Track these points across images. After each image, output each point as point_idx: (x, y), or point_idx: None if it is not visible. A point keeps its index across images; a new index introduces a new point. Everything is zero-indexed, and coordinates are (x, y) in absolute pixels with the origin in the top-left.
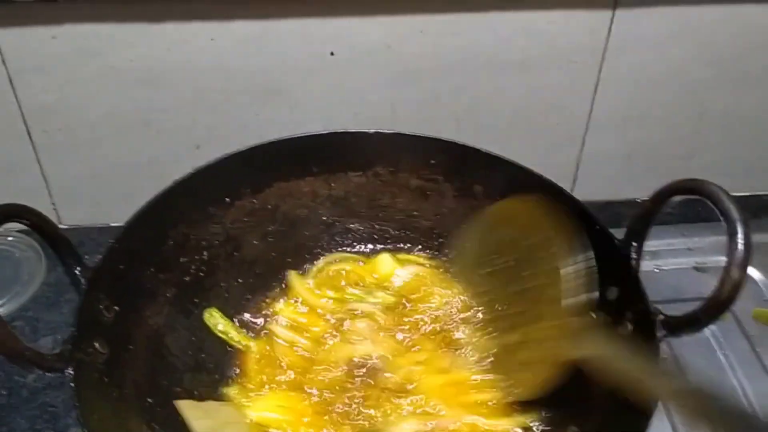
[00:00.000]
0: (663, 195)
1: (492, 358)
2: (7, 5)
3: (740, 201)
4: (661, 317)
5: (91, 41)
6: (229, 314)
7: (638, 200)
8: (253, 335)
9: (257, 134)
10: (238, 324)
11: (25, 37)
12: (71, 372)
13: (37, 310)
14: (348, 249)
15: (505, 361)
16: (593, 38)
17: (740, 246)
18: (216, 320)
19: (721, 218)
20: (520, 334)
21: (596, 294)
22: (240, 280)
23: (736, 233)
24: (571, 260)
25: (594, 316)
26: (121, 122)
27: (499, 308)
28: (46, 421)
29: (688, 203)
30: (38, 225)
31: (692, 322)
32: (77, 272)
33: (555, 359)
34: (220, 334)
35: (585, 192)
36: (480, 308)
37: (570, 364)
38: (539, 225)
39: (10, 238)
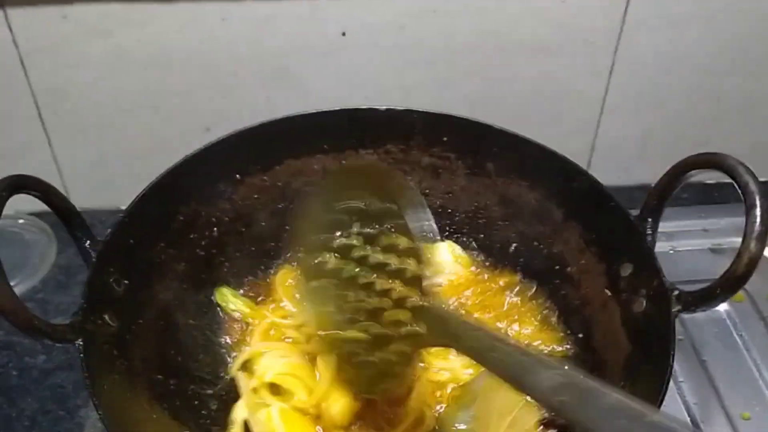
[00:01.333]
0: (679, 169)
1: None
2: None
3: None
4: (676, 292)
5: (101, 21)
6: (238, 290)
7: (653, 185)
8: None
9: (267, 116)
10: (246, 298)
11: (35, 17)
12: (81, 343)
13: (48, 292)
14: None
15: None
16: (609, 19)
17: (758, 219)
18: (227, 299)
19: (739, 191)
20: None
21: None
22: (249, 257)
23: (754, 206)
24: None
25: (608, 293)
26: (131, 104)
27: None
28: (56, 402)
29: (704, 187)
30: (49, 198)
31: (708, 297)
32: (87, 246)
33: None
34: (232, 312)
35: (599, 176)
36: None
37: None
38: (387, 188)
39: (20, 221)
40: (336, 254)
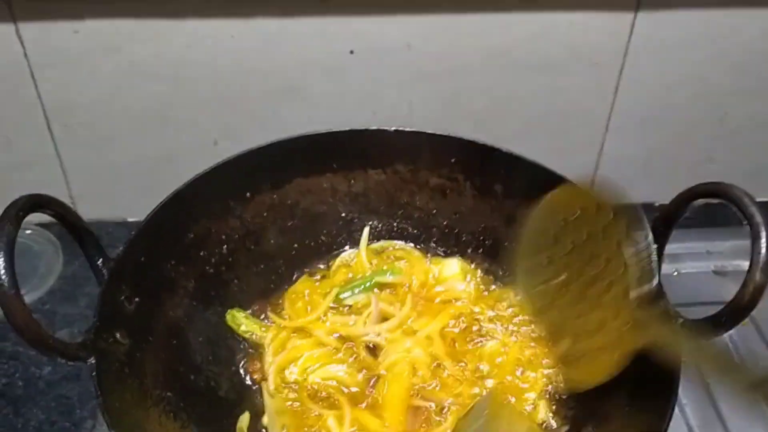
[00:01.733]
0: (685, 198)
1: (559, 348)
2: (30, 0)
3: (761, 206)
4: (681, 320)
5: (112, 37)
6: (248, 308)
7: (657, 204)
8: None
9: (275, 132)
10: (255, 317)
11: (47, 31)
12: (93, 361)
13: (54, 303)
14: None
15: (572, 350)
16: (614, 40)
17: (763, 250)
18: (239, 321)
19: (745, 222)
20: (586, 323)
21: (657, 280)
22: (259, 275)
23: (759, 237)
24: (634, 246)
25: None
26: (139, 118)
27: (564, 298)
28: (62, 413)
29: (708, 207)
30: (63, 216)
31: (713, 326)
32: (99, 264)
33: (624, 347)
34: (244, 334)
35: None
36: (542, 302)
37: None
38: (599, 211)
39: (28, 232)
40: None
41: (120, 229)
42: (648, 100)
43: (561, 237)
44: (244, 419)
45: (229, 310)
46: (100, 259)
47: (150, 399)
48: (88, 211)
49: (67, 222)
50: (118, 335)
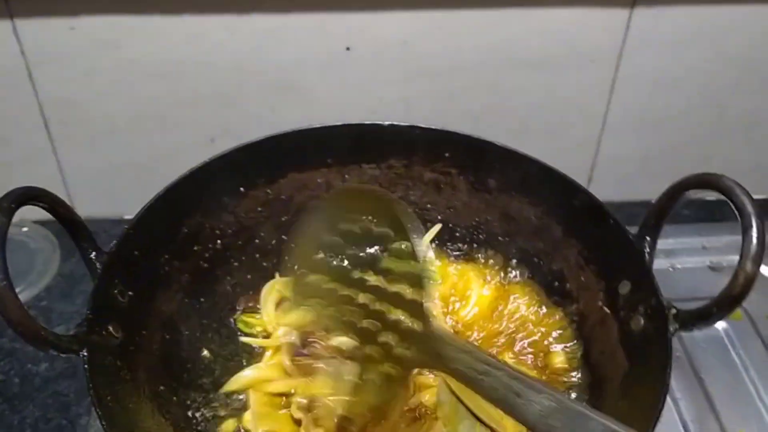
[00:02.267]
0: (677, 189)
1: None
2: None
3: (758, 204)
4: (674, 311)
5: (108, 33)
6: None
7: (654, 201)
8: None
9: (272, 128)
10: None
11: (43, 28)
12: (85, 354)
13: (51, 300)
14: None
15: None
16: (610, 37)
17: (754, 240)
18: (251, 324)
19: (736, 212)
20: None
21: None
22: (252, 270)
23: (750, 227)
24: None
25: (607, 310)
26: (137, 115)
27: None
28: (58, 410)
29: (705, 204)
30: (56, 209)
31: (704, 316)
32: (92, 257)
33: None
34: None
35: (600, 193)
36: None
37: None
38: (386, 213)
39: (24, 229)
40: (331, 275)
41: (117, 226)
42: (645, 97)
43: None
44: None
45: (239, 317)
46: (94, 253)
47: (143, 392)
48: (85, 208)
49: (59, 215)
50: (110, 328)
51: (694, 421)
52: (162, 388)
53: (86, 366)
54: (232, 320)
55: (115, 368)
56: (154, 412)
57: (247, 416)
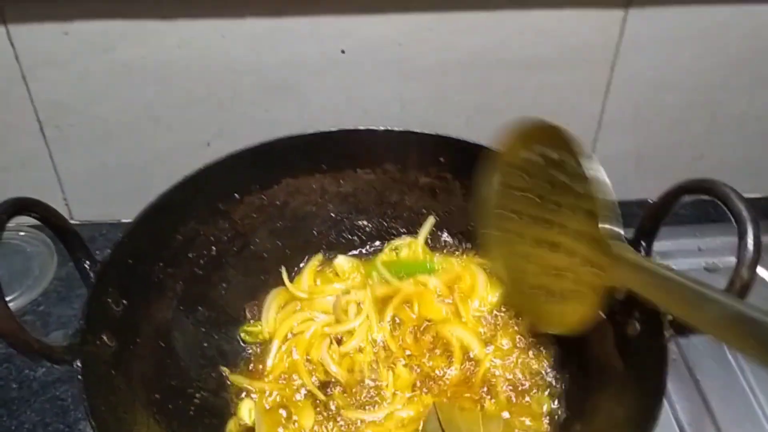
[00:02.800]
0: (673, 194)
1: (529, 295)
2: (20, 1)
3: (752, 203)
4: (669, 317)
5: (102, 38)
6: (237, 310)
7: (649, 200)
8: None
9: (267, 131)
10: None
11: (37, 33)
12: (79, 365)
13: (48, 305)
14: (356, 246)
15: (542, 296)
16: (605, 37)
17: (750, 246)
18: (254, 335)
19: (732, 218)
20: (557, 263)
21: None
22: (248, 276)
23: (746, 233)
24: (595, 182)
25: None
26: (132, 118)
27: (531, 238)
28: (56, 415)
29: (700, 204)
30: (48, 218)
31: None
32: (86, 266)
33: (595, 287)
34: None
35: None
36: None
37: (610, 292)
38: (561, 147)
39: (21, 233)
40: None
41: (114, 230)
42: (639, 97)
43: (532, 177)
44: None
45: (241, 329)
46: (87, 262)
47: (137, 401)
48: (82, 212)
49: (52, 224)
50: (104, 337)
51: (691, 424)
52: (157, 396)
53: (80, 377)
54: (228, 327)
55: (109, 377)
56: (149, 420)
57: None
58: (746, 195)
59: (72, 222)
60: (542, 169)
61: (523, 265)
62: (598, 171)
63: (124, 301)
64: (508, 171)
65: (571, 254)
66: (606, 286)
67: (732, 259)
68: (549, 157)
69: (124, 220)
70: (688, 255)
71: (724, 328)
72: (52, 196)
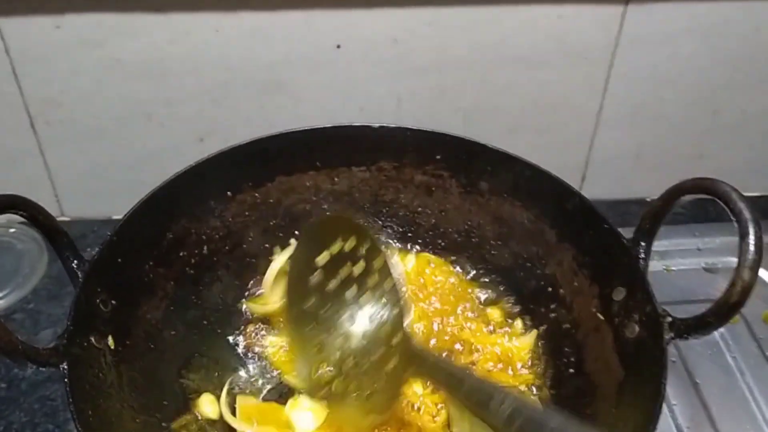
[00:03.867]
0: (673, 194)
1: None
2: None
3: (752, 201)
4: (669, 319)
5: (94, 31)
6: (229, 310)
7: (648, 199)
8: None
9: (261, 127)
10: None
11: (28, 26)
12: (66, 367)
13: (38, 303)
14: None
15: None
16: (604, 34)
17: (751, 247)
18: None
19: (733, 219)
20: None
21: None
22: (240, 276)
23: (747, 234)
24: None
25: (601, 317)
26: (124, 114)
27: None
28: (45, 415)
29: (699, 203)
30: (35, 217)
31: (701, 325)
32: (74, 265)
33: (394, 380)
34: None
35: (594, 190)
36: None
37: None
38: (362, 240)
39: (11, 230)
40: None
41: (105, 226)
42: (639, 94)
43: (329, 271)
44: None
45: (247, 302)
46: (75, 261)
47: (127, 404)
48: (73, 208)
49: (39, 223)
50: (93, 339)
51: (690, 427)
52: (147, 400)
53: (66, 380)
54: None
55: (97, 381)
56: (137, 425)
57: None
58: (746, 194)
59: (63, 219)
60: (338, 264)
61: (319, 360)
62: (395, 265)
63: (113, 302)
64: (307, 263)
65: (368, 351)
66: (404, 379)
67: (732, 260)
68: (345, 252)
69: (115, 217)
70: (687, 255)
71: (505, 422)
72: (43, 192)
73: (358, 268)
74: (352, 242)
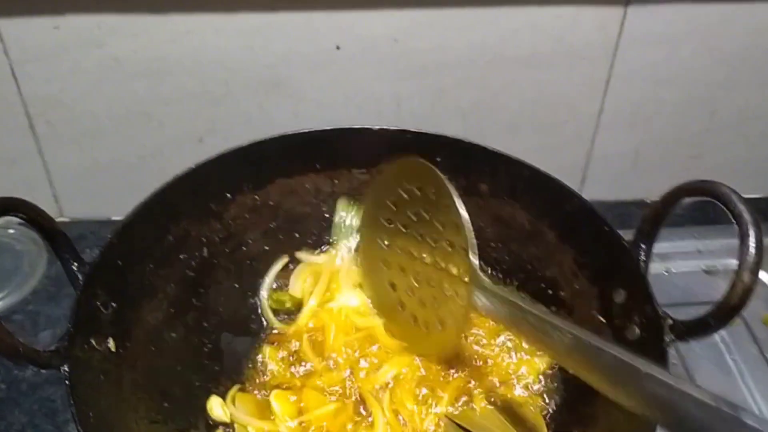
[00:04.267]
0: (673, 197)
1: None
2: None
3: (751, 203)
4: (670, 322)
5: (93, 32)
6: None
7: (647, 200)
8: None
9: (261, 128)
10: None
11: (27, 27)
12: (67, 369)
13: (38, 304)
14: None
15: (410, 323)
16: (604, 34)
17: (752, 250)
18: (281, 303)
19: (733, 221)
20: (422, 292)
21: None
22: (240, 278)
23: (747, 236)
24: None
25: (601, 319)
26: (123, 114)
27: (399, 267)
28: (45, 416)
29: (699, 205)
30: (35, 219)
31: (701, 328)
32: (74, 267)
33: (458, 316)
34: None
35: (593, 191)
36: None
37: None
38: (432, 181)
39: (11, 231)
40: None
41: (105, 227)
42: (638, 95)
43: (400, 210)
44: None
45: (270, 295)
46: (75, 263)
47: (128, 406)
48: (72, 209)
49: (39, 225)
50: (93, 341)
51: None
52: (149, 401)
53: (67, 382)
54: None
55: (98, 383)
56: (141, 426)
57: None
58: (746, 195)
59: (63, 219)
60: (409, 204)
61: (392, 294)
62: (462, 207)
63: (114, 304)
64: (380, 203)
65: (436, 284)
66: (468, 315)
67: (732, 262)
68: (416, 192)
69: (115, 218)
70: (687, 257)
71: (570, 356)
72: (42, 192)
73: (428, 206)
74: (422, 182)
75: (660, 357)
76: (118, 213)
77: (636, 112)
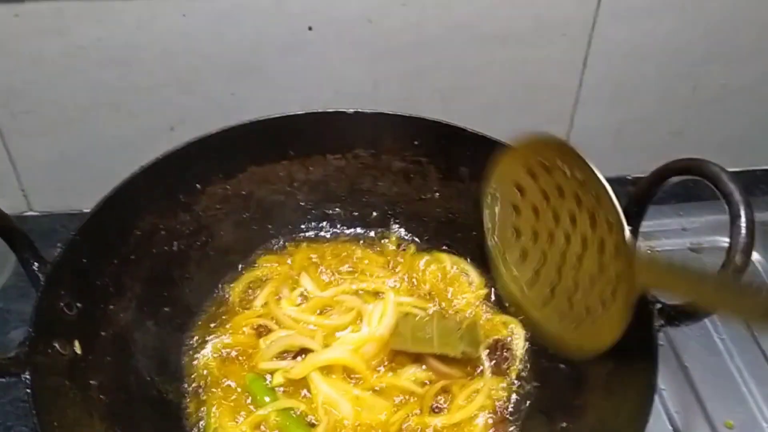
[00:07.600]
0: (660, 176)
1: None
2: None
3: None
4: (658, 306)
5: (55, 19)
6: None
7: (629, 177)
8: None
9: (234, 114)
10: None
11: None
12: (28, 377)
13: (8, 301)
14: (327, 235)
15: (568, 311)
16: (582, 10)
17: (743, 230)
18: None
19: (723, 200)
20: (577, 278)
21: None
22: (212, 272)
23: (738, 217)
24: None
25: None
26: (90, 104)
27: (547, 255)
28: (19, 417)
29: (681, 181)
30: None
31: (691, 313)
32: (35, 268)
33: (625, 295)
34: None
35: None
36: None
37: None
38: (570, 160)
39: None
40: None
41: (74, 220)
42: (618, 71)
43: (520, 206)
44: None
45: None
46: (36, 264)
47: (95, 411)
48: (41, 202)
49: None
50: (57, 345)
51: (679, 412)
52: (117, 404)
53: (28, 390)
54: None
55: (63, 389)
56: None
57: None
58: (728, 169)
59: (31, 213)
60: (548, 181)
61: (540, 279)
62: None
63: (79, 305)
64: (511, 180)
65: (587, 261)
66: (636, 292)
67: (718, 239)
68: (553, 169)
69: (86, 210)
70: (672, 235)
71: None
72: (9, 186)
73: (566, 183)
74: (555, 158)
75: (649, 343)
76: (89, 205)
77: (616, 89)
